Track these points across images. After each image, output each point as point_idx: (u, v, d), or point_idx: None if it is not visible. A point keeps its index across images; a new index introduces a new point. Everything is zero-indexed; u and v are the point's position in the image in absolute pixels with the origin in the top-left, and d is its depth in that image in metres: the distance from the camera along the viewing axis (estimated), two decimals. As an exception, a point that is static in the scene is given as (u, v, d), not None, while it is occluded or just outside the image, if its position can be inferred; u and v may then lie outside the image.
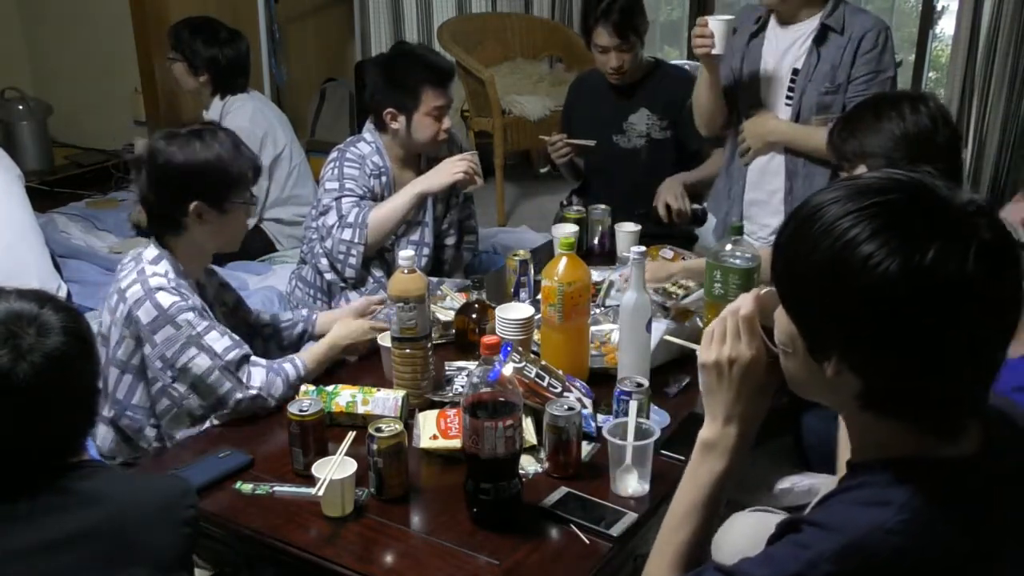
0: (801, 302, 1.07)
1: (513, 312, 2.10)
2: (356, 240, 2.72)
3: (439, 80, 2.76)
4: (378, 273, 2.83)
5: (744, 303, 1.22)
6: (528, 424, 1.80)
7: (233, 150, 2.06)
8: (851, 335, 1.01)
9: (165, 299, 1.96)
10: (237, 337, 2.03)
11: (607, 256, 2.82)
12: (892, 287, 0.96)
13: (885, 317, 0.97)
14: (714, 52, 2.60)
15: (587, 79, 3.35)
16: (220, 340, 1.98)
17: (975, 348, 1.00)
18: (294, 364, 2.06)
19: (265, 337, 2.35)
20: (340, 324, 2.21)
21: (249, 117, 3.65)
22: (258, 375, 1.98)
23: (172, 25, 3.80)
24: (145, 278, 1.98)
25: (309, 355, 2.11)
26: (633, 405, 1.73)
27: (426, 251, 2.88)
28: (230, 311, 2.28)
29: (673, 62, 3.67)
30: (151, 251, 2.04)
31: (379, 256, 2.84)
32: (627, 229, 2.77)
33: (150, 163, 2.03)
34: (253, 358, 2.01)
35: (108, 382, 2.07)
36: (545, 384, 1.87)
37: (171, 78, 3.89)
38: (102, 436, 2.14)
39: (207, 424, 1.99)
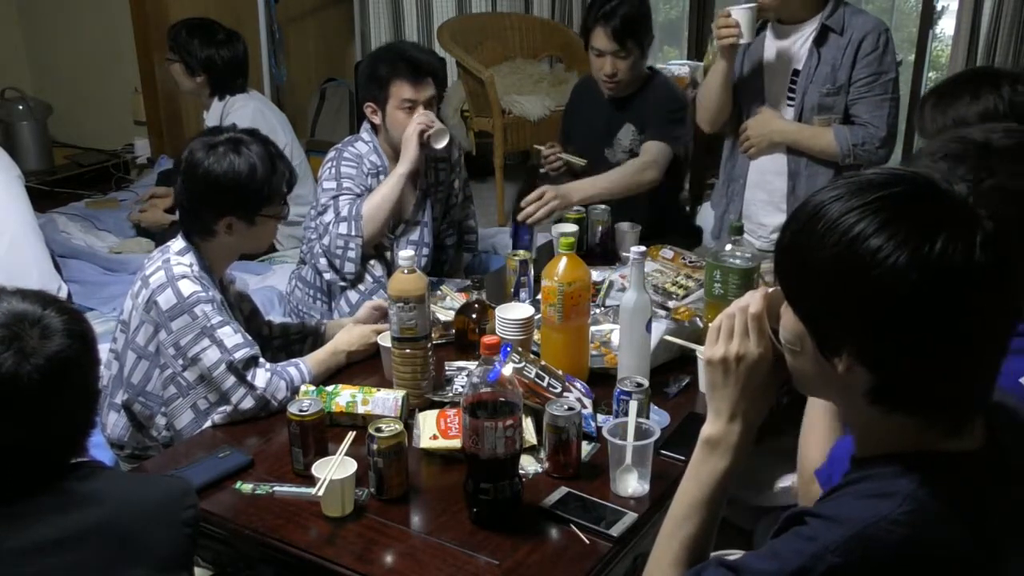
0: (810, 300, 1.07)
1: (513, 312, 2.10)
2: (353, 233, 2.71)
3: (409, 72, 2.72)
4: (377, 272, 2.83)
5: (753, 301, 1.22)
6: (528, 424, 1.80)
7: (269, 164, 2.08)
8: (862, 330, 1.01)
9: (186, 287, 1.99)
10: (249, 337, 2.05)
11: (607, 256, 2.82)
12: (902, 279, 0.96)
13: (896, 309, 0.98)
14: (741, 42, 2.58)
15: (589, 85, 3.24)
16: (232, 336, 2.00)
17: (983, 338, 1.01)
18: (299, 368, 2.06)
19: (275, 349, 2.36)
20: (344, 331, 2.22)
21: (250, 118, 3.64)
22: (262, 377, 1.99)
23: (171, 26, 3.80)
24: (170, 266, 2.03)
25: (313, 360, 2.12)
26: (633, 405, 1.73)
27: (426, 251, 2.88)
28: (245, 320, 2.30)
29: (673, 62, 3.65)
30: (178, 243, 2.10)
31: (379, 255, 2.83)
32: (627, 228, 2.77)
33: (188, 172, 2.06)
34: (260, 360, 2.02)
35: (125, 367, 2.11)
36: (545, 384, 1.87)
37: (171, 78, 3.89)
38: (112, 422, 2.17)
39: (208, 422, 2.00)
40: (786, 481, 2.10)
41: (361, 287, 2.81)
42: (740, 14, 2.55)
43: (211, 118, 3.75)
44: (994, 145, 1.37)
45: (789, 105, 2.71)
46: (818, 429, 1.50)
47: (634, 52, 2.92)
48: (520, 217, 2.63)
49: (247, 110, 3.71)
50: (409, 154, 2.74)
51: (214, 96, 3.74)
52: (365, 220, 2.72)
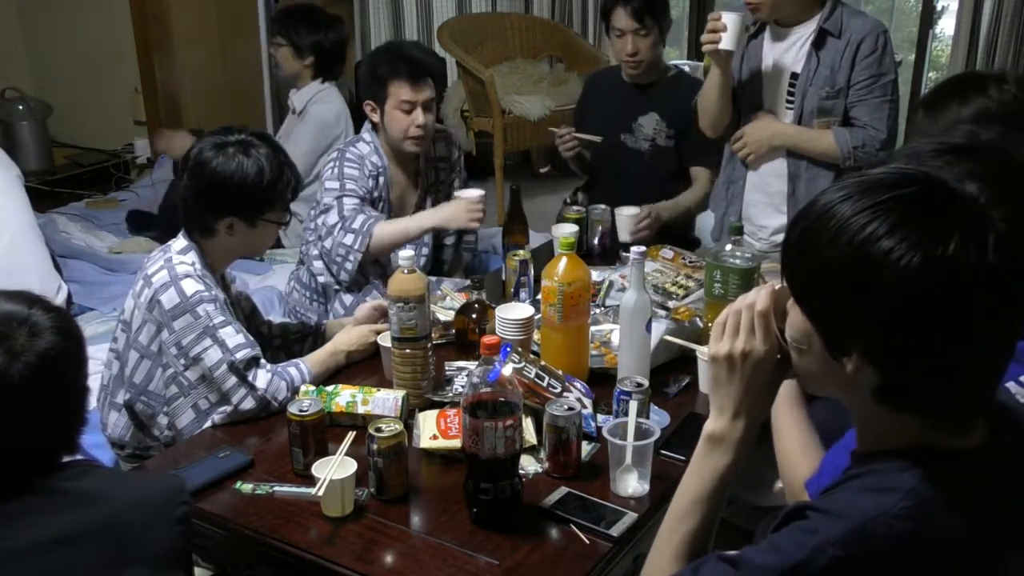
0: (819, 300, 1.07)
1: (513, 312, 2.10)
2: (356, 247, 2.72)
3: (408, 73, 2.73)
4: (373, 275, 2.83)
5: (760, 298, 1.21)
6: (528, 424, 1.80)
7: (277, 169, 2.08)
8: (873, 330, 1.01)
9: (189, 286, 2.00)
10: (251, 337, 2.05)
11: (607, 256, 2.82)
12: (914, 280, 0.96)
13: (908, 311, 0.97)
14: (721, 47, 2.58)
15: (605, 75, 3.37)
16: (234, 336, 2.00)
17: (992, 339, 1.01)
18: (299, 369, 2.06)
19: (274, 348, 2.37)
20: (344, 331, 2.22)
21: (336, 111, 3.80)
22: (263, 378, 1.99)
23: (275, 13, 3.98)
24: (172, 265, 2.03)
25: (312, 360, 2.12)
26: (633, 405, 1.73)
27: (425, 251, 2.88)
28: (245, 318, 2.30)
29: (673, 62, 3.65)
30: (180, 242, 2.10)
31: (374, 258, 2.83)
32: (627, 212, 2.77)
33: (194, 170, 2.07)
34: (262, 360, 2.02)
35: (127, 366, 2.11)
36: (545, 384, 1.87)
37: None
38: (113, 422, 2.18)
39: (209, 422, 2.00)
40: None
41: (356, 290, 2.82)
42: (729, 19, 2.55)
43: (299, 97, 3.85)
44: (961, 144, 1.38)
45: (788, 108, 2.70)
46: (796, 450, 1.50)
47: (653, 31, 3.02)
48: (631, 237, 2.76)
49: (335, 104, 3.83)
50: (451, 226, 2.81)
51: (316, 78, 3.85)
52: (373, 242, 2.72)
